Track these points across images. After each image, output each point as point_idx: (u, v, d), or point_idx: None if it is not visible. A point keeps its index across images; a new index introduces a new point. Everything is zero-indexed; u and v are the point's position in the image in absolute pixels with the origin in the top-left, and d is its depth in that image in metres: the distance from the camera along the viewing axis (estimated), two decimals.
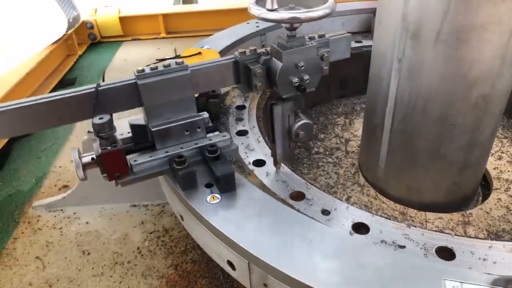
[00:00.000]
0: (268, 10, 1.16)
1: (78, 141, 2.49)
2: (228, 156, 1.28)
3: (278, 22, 1.19)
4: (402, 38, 1.37)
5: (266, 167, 1.37)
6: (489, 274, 0.93)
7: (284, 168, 1.38)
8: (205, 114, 1.34)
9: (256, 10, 1.18)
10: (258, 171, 1.35)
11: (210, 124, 1.37)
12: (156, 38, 4.18)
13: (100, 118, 1.13)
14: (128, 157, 1.21)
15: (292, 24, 1.19)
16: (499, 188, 1.75)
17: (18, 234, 1.87)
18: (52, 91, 3.14)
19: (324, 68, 1.36)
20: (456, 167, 1.55)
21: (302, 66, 1.22)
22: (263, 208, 1.11)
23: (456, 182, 1.59)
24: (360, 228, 1.12)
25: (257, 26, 2.34)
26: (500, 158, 1.93)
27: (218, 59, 1.30)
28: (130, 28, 4.15)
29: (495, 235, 1.51)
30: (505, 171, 1.85)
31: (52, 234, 1.86)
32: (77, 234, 1.85)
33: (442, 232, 1.09)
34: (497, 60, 1.31)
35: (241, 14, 3.99)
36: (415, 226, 1.10)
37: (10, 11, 2.83)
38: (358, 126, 2.23)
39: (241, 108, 1.76)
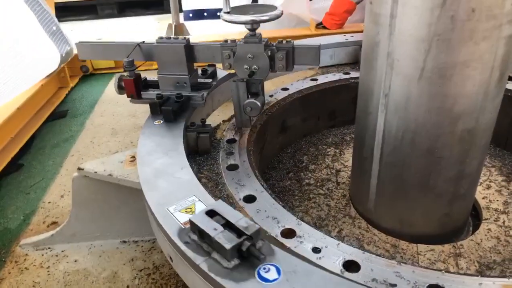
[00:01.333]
0: (225, 13, 1.67)
1: (68, 177, 2.47)
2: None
3: (242, 23, 1.64)
4: (387, 74, 1.41)
5: (257, 203, 1.37)
6: None
7: (275, 204, 1.37)
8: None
9: (227, 16, 1.67)
10: (248, 208, 1.35)
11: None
12: (148, 70, 4.23)
13: (127, 58, 1.78)
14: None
15: (252, 25, 1.65)
16: (489, 218, 1.76)
17: (5, 275, 1.82)
18: (43, 124, 3.14)
19: (278, 65, 1.73)
20: (446, 198, 1.56)
21: (250, 57, 1.67)
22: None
23: (447, 214, 1.60)
24: (351, 266, 1.11)
25: None
26: (488, 188, 1.95)
27: (210, 43, 1.85)
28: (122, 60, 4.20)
29: (487, 267, 1.51)
30: (494, 200, 1.87)
31: (40, 273, 1.81)
32: (65, 274, 1.80)
33: (433, 269, 1.09)
34: (480, 95, 1.34)
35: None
36: (406, 263, 1.09)
37: (2, 46, 2.86)
38: (348, 156, 2.25)
39: (231, 142, 1.78)
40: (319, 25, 4.26)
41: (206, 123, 1.75)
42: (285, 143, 2.37)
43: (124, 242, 1.94)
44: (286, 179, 2.10)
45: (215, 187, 1.48)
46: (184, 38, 1.80)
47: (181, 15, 5.21)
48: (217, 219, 1.04)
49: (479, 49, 1.25)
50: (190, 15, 5.11)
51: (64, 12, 7.30)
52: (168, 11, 4.82)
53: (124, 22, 7.10)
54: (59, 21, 3.65)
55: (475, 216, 1.85)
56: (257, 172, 1.58)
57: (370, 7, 1.42)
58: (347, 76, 2.48)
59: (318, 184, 2.04)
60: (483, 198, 1.89)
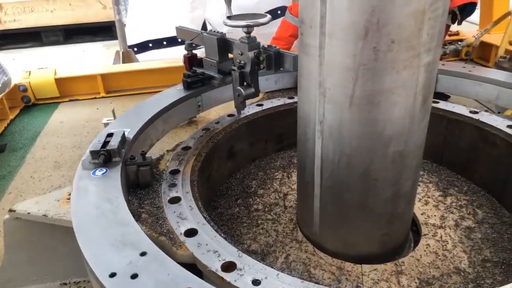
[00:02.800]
0: (227, 18, 2.03)
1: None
2: None
3: (239, 27, 1.95)
4: (320, 102, 1.46)
5: (198, 237, 1.35)
6: None
7: (217, 236, 1.36)
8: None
9: (229, 22, 1.98)
10: (189, 242, 1.32)
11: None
12: (95, 98, 4.13)
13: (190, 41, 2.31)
14: None
15: (248, 29, 1.94)
16: (428, 234, 1.84)
17: None
18: None
19: (262, 65, 2.00)
20: (385, 218, 1.61)
21: (239, 53, 2.02)
22: None
23: (387, 233, 1.66)
24: None
25: None
26: (426, 203, 2.05)
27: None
28: (67, 89, 4.07)
29: (426, 283, 1.57)
30: (431, 216, 1.96)
31: None
32: None
33: None
34: (406, 119, 1.42)
35: (182, 71, 4.06)
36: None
37: None
38: (295, 179, 2.27)
39: (175, 172, 1.75)
40: None
41: (147, 155, 1.72)
42: (234, 169, 2.37)
43: (65, 284, 1.84)
44: (235, 206, 2.09)
45: (155, 222, 1.44)
46: (220, 32, 2.18)
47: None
48: None
49: (402, 77, 1.33)
50: (135, 49, 5.07)
51: (5, 40, 7.02)
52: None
53: (71, 49, 6.91)
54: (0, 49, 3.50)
55: (416, 231, 1.93)
56: (200, 203, 1.56)
57: (301, 38, 1.48)
58: (291, 101, 2.55)
59: (266, 209, 2.05)
60: (422, 214, 1.97)
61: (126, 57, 4.66)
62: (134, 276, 1.09)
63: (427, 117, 1.51)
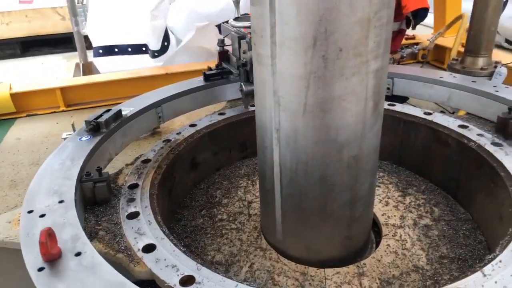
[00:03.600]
0: (233, 19, 2.49)
1: None
2: None
3: (245, 27, 2.27)
4: (275, 111, 1.47)
5: (157, 252, 1.33)
6: None
7: (176, 250, 1.34)
8: None
9: (235, 23, 2.37)
10: (147, 258, 1.30)
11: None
12: (54, 112, 4.00)
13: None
14: None
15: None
16: (388, 234, 1.89)
17: None
18: None
19: None
20: (344, 222, 1.64)
21: (243, 52, 2.30)
22: None
23: (347, 236, 1.69)
24: None
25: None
26: (387, 204, 2.10)
27: None
28: (24, 103, 3.93)
29: (387, 283, 1.61)
30: (392, 216, 2.01)
31: None
32: None
33: None
34: (359, 125, 1.46)
35: (144, 82, 4.02)
36: None
37: None
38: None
39: (133, 187, 1.72)
40: None
41: (108, 170, 1.69)
42: (198, 179, 2.36)
43: None
44: (199, 217, 2.07)
45: (113, 240, 1.41)
46: (240, 30, 2.33)
47: (91, 53, 5.05)
48: None
49: (351, 84, 1.36)
50: (100, 51, 4.97)
51: None
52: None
53: (29, 62, 6.68)
54: None
55: (378, 232, 1.97)
56: (159, 217, 1.54)
57: (254, 47, 1.49)
58: (253, 108, 2.55)
59: (231, 218, 2.04)
60: (382, 214, 2.02)
61: (87, 69, 4.55)
62: None
63: (379, 122, 1.56)
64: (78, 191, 1.54)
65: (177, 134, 2.24)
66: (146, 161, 1.94)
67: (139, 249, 1.35)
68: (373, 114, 1.48)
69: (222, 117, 2.46)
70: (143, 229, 1.45)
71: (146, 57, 4.98)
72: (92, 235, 1.44)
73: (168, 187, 1.99)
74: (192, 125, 2.35)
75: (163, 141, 2.15)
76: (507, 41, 5.54)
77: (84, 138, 1.86)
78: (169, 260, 1.29)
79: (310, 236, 1.68)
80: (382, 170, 2.43)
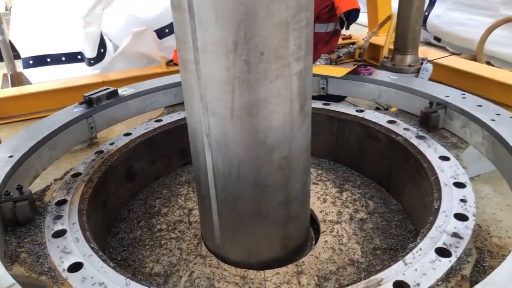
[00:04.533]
0: None
1: None
2: None
3: None
4: (204, 116, 1.46)
5: (83, 270, 1.27)
6: None
7: (104, 266, 1.29)
8: None
9: None
10: (72, 278, 1.24)
11: None
12: None
13: None
14: None
15: None
16: (326, 231, 1.94)
17: None
18: None
19: None
20: (280, 222, 1.66)
21: None
22: None
23: (285, 236, 1.71)
24: None
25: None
26: (325, 201, 2.16)
27: None
28: None
29: (324, 279, 1.65)
30: (329, 212, 2.06)
31: None
32: None
33: None
34: (287, 126, 1.48)
35: (80, 91, 3.83)
36: None
37: None
38: None
39: (61, 203, 1.63)
40: (170, 63, 4.31)
41: (29, 188, 1.59)
42: (136, 190, 2.29)
43: None
44: (137, 229, 2.01)
45: (36, 262, 1.32)
46: None
47: (20, 63, 4.75)
48: None
49: (275, 86, 1.38)
50: (31, 62, 4.68)
51: None
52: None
53: None
54: None
55: (317, 229, 2.02)
56: (88, 233, 1.47)
57: (178, 53, 1.47)
58: None
59: (170, 228, 2.00)
60: (321, 211, 2.07)
61: (16, 80, 4.27)
62: None
63: (307, 122, 1.59)
64: None
65: (110, 144, 2.17)
66: (76, 174, 1.86)
67: (64, 269, 1.28)
68: (300, 115, 1.51)
69: (159, 124, 2.41)
70: (70, 247, 1.38)
71: (82, 65, 4.76)
72: (13, 259, 1.34)
73: (102, 200, 1.91)
74: (127, 134, 2.28)
75: (95, 153, 2.07)
76: (435, 38, 5.91)
77: None
78: (96, 278, 1.23)
79: (248, 239, 1.68)
80: (320, 168, 2.49)
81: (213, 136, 1.49)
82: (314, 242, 1.94)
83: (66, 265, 1.30)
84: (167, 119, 2.48)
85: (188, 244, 1.88)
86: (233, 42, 1.29)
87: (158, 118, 2.48)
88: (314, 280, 1.64)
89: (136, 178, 2.26)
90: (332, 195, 2.21)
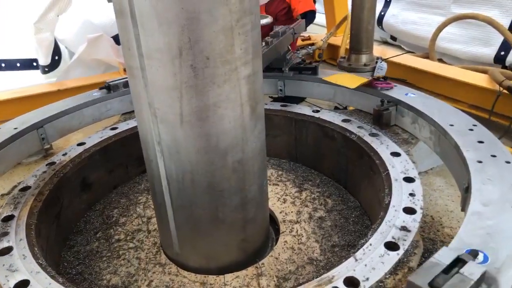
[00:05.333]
0: None
1: None
2: None
3: None
4: (154, 123, 1.44)
5: None
6: None
7: (52, 283, 1.25)
8: None
9: None
10: None
11: None
12: None
13: None
14: None
15: None
16: (285, 231, 1.96)
17: None
18: None
19: None
20: (238, 226, 1.67)
21: None
22: None
23: (244, 239, 1.71)
24: None
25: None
26: (285, 201, 2.18)
27: None
28: None
29: (283, 279, 1.66)
30: (289, 212, 2.08)
31: None
32: None
33: None
34: (238, 130, 1.48)
35: (33, 101, 3.68)
36: None
37: None
38: None
39: (8, 219, 1.57)
40: None
41: None
42: (92, 201, 2.23)
43: None
44: (94, 240, 1.96)
45: None
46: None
47: None
48: None
49: (224, 91, 1.38)
50: None
51: None
52: None
53: None
54: None
55: (278, 230, 2.03)
56: (36, 249, 1.42)
57: (125, 60, 1.45)
58: None
59: (129, 237, 1.96)
60: (280, 212, 2.09)
61: None
62: None
63: (260, 125, 1.60)
64: None
65: (62, 155, 2.10)
66: (25, 188, 1.79)
67: None
68: (251, 118, 1.52)
69: (114, 132, 2.36)
70: (16, 265, 1.32)
71: (38, 72, 4.59)
72: None
73: (54, 213, 1.84)
74: (81, 144, 2.21)
75: (46, 165, 2.00)
76: (391, 37, 6.10)
77: None
78: None
79: (206, 244, 1.67)
80: (280, 168, 2.52)
81: (164, 143, 1.47)
82: (274, 243, 1.95)
83: (12, 283, 1.25)
84: (123, 126, 2.43)
85: (147, 253, 1.85)
86: (177, 47, 1.28)
87: (114, 126, 2.43)
88: (274, 281, 1.65)
89: (92, 189, 2.20)
90: (292, 195, 2.23)
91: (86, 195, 2.17)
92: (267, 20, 2.14)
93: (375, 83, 2.36)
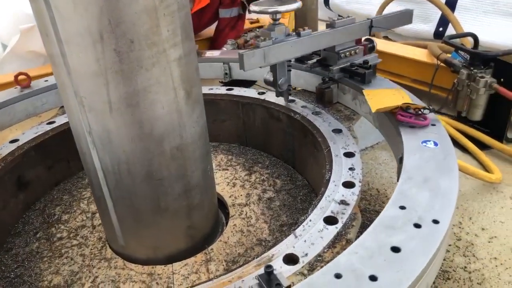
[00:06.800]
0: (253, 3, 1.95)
1: None
2: None
3: (267, 14, 1.88)
4: (82, 113, 1.37)
5: None
6: None
7: None
8: None
9: (256, 8, 1.90)
10: None
11: None
12: None
13: None
14: None
15: (274, 15, 1.88)
16: (235, 214, 1.95)
17: None
18: None
19: None
20: (183, 213, 1.63)
21: None
22: None
23: (190, 226, 1.69)
24: None
25: None
26: (234, 185, 2.16)
27: None
28: None
29: (232, 262, 1.66)
30: (238, 196, 2.07)
31: None
32: None
33: None
34: (173, 115, 1.44)
35: None
36: None
37: None
38: None
39: None
40: None
41: None
42: (31, 200, 2.11)
43: None
44: (34, 241, 1.86)
45: None
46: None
47: None
48: None
49: (153, 75, 1.33)
50: None
51: None
52: None
53: None
54: None
55: (228, 214, 2.02)
56: None
57: (45, 48, 1.36)
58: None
59: (72, 235, 1.88)
60: (230, 196, 2.07)
61: None
62: None
63: (198, 109, 1.56)
64: None
65: None
66: None
67: None
68: (187, 102, 1.48)
69: (51, 126, 2.23)
70: None
71: None
72: None
73: None
74: (13, 141, 2.08)
75: None
76: (339, 17, 6.18)
77: None
78: None
79: (151, 235, 1.63)
80: (230, 153, 2.49)
81: (95, 133, 1.40)
82: (225, 227, 1.94)
83: None
84: (61, 119, 2.31)
85: (91, 249, 1.78)
86: (98, 31, 1.21)
87: (51, 120, 2.30)
88: (223, 265, 1.64)
89: (30, 187, 2.08)
90: (241, 178, 2.22)
91: (24, 195, 2.05)
92: (298, 4, 1.90)
93: (399, 116, 1.61)
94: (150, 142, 1.42)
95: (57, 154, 2.23)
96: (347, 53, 2.16)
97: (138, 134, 1.40)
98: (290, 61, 2.09)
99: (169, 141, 1.46)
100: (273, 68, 2.03)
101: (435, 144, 1.48)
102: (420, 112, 1.61)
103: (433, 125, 1.60)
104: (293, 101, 2.28)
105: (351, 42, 2.20)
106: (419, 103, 1.73)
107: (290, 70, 2.11)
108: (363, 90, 1.94)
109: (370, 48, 2.29)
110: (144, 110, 1.36)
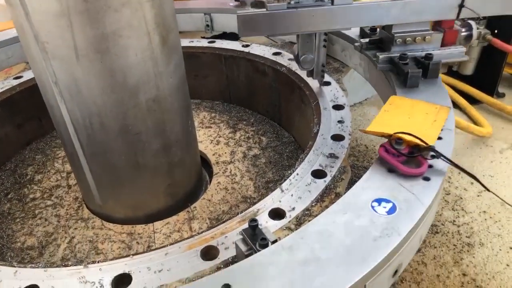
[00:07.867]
0: None
1: None
2: None
3: None
4: (45, 60, 1.23)
5: None
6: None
7: None
8: None
9: None
10: None
11: None
12: None
13: None
14: None
15: None
16: (219, 172, 1.87)
17: None
18: None
19: None
20: (163, 171, 1.54)
21: None
22: None
23: (171, 184, 1.60)
24: None
25: None
26: (218, 143, 2.07)
27: None
28: None
29: (216, 220, 1.59)
30: (222, 154, 1.99)
31: None
32: None
33: (122, 256, 1.02)
34: (148, 62, 1.31)
35: None
36: (90, 264, 0.99)
37: None
38: None
39: None
40: None
41: None
42: (1, 160, 1.99)
43: None
44: (5, 202, 1.76)
45: None
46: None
47: None
48: None
49: (124, 16, 1.19)
50: None
51: None
52: None
53: None
54: None
55: (212, 172, 1.94)
56: None
57: None
58: None
59: (46, 195, 1.78)
60: (213, 154, 1.99)
61: None
62: None
63: (175, 58, 1.44)
64: None
65: None
66: None
67: None
68: (163, 49, 1.35)
69: (19, 81, 2.07)
70: None
71: None
72: None
73: None
74: None
75: None
76: None
77: None
78: None
79: (129, 193, 1.54)
80: (214, 110, 2.38)
81: (62, 83, 1.27)
82: (208, 186, 1.86)
83: None
84: (30, 74, 2.14)
85: (67, 209, 1.69)
86: None
87: (18, 75, 2.14)
88: (207, 223, 1.58)
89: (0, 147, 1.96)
90: (225, 136, 2.13)
91: None
92: None
93: (381, 150, 1.09)
94: (124, 93, 1.30)
95: (26, 111, 2.09)
96: (408, 38, 1.51)
97: (110, 83, 1.27)
98: (326, 34, 1.58)
99: (144, 92, 1.34)
100: (297, 37, 1.58)
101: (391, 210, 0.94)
102: (415, 154, 1.06)
103: (426, 179, 1.02)
104: (279, 54, 2.15)
105: (423, 23, 1.51)
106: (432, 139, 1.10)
107: (325, 46, 1.59)
108: (392, 96, 1.34)
109: (467, 37, 1.62)
110: (115, 57, 1.23)
